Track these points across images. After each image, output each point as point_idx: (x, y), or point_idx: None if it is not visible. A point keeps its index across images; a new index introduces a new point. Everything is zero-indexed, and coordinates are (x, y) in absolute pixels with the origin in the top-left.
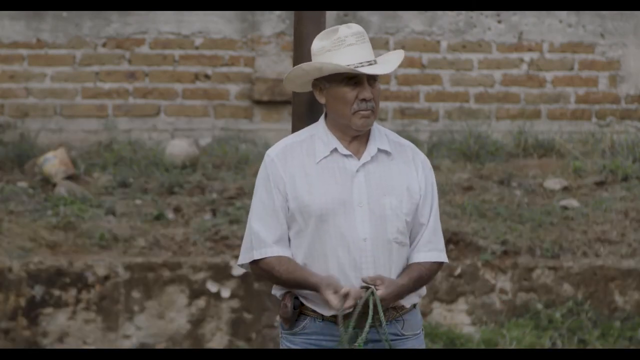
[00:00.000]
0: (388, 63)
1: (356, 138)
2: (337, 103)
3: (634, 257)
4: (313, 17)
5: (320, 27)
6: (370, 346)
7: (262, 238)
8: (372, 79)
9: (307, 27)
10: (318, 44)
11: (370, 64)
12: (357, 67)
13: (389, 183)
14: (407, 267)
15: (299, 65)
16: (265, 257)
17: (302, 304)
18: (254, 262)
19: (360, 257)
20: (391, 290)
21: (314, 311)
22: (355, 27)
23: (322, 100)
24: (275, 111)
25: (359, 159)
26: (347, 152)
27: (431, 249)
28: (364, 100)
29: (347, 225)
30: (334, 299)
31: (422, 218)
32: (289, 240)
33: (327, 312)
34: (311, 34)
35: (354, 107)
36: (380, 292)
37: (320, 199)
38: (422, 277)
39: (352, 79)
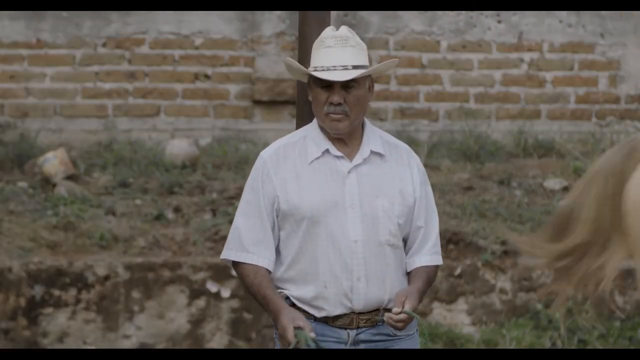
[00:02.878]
0: (358, 72)
1: (349, 140)
2: (314, 103)
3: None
4: (318, 17)
5: (324, 27)
6: (362, 346)
7: (242, 238)
8: (345, 83)
9: (311, 27)
10: None
11: (346, 69)
12: (321, 70)
13: (381, 185)
14: (416, 271)
15: (286, 59)
16: (245, 262)
17: (294, 304)
18: (234, 261)
19: (351, 259)
20: (415, 300)
21: (306, 312)
22: (341, 31)
23: (310, 99)
24: (275, 111)
25: (350, 160)
26: (339, 154)
27: (434, 253)
28: (332, 103)
29: (338, 226)
30: (289, 333)
31: (419, 221)
32: (279, 240)
33: (318, 314)
34: (315, 33)
35: (325, 110)
36: (408, 305)
37: (311, 201)
38: (430, 280)
39: (324, 81)
